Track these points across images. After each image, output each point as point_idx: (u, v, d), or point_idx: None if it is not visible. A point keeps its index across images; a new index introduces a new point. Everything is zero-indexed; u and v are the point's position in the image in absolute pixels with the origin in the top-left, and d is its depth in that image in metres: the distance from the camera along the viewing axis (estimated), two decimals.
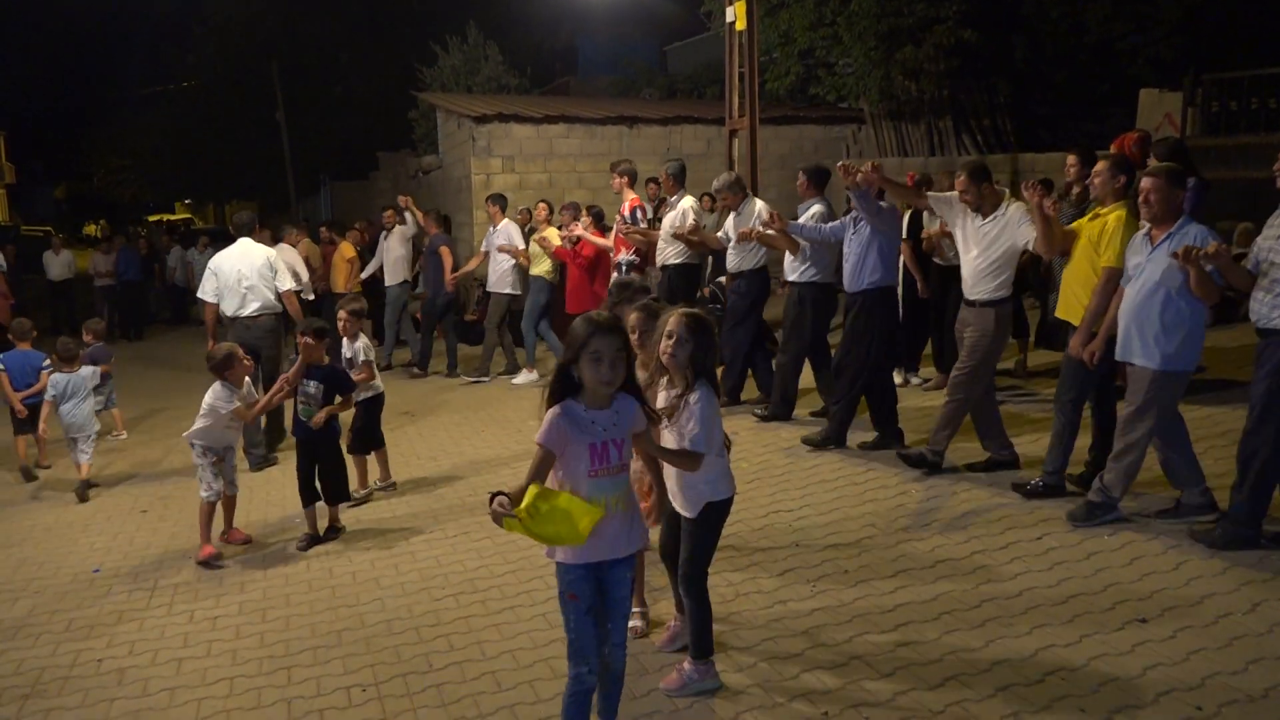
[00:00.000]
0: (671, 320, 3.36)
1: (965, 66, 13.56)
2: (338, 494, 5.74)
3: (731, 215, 7.45)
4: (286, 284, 7.62)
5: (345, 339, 6.36)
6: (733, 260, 7.45)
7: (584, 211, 9.23)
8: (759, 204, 7.32)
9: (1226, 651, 3.64)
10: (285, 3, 25.22)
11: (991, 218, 5.55)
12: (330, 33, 25.85)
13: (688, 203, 8.03)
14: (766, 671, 3.71)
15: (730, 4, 9.53)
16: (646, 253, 8.47)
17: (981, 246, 5.59)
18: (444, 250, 9.96)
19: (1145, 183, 4.63)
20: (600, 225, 9.07)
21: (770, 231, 6.81)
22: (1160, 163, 5.27)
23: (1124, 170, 5.13)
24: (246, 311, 7.39)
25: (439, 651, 4.09)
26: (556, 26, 28.02)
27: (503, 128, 13.80)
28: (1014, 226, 5.46)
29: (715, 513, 3.52)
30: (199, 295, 7.87)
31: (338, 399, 5.67)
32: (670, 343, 3.34)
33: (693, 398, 3.34)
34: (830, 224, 6.60)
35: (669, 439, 3.40)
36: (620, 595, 3.10)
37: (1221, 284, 4.51)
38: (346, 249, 11.05)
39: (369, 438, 6.44)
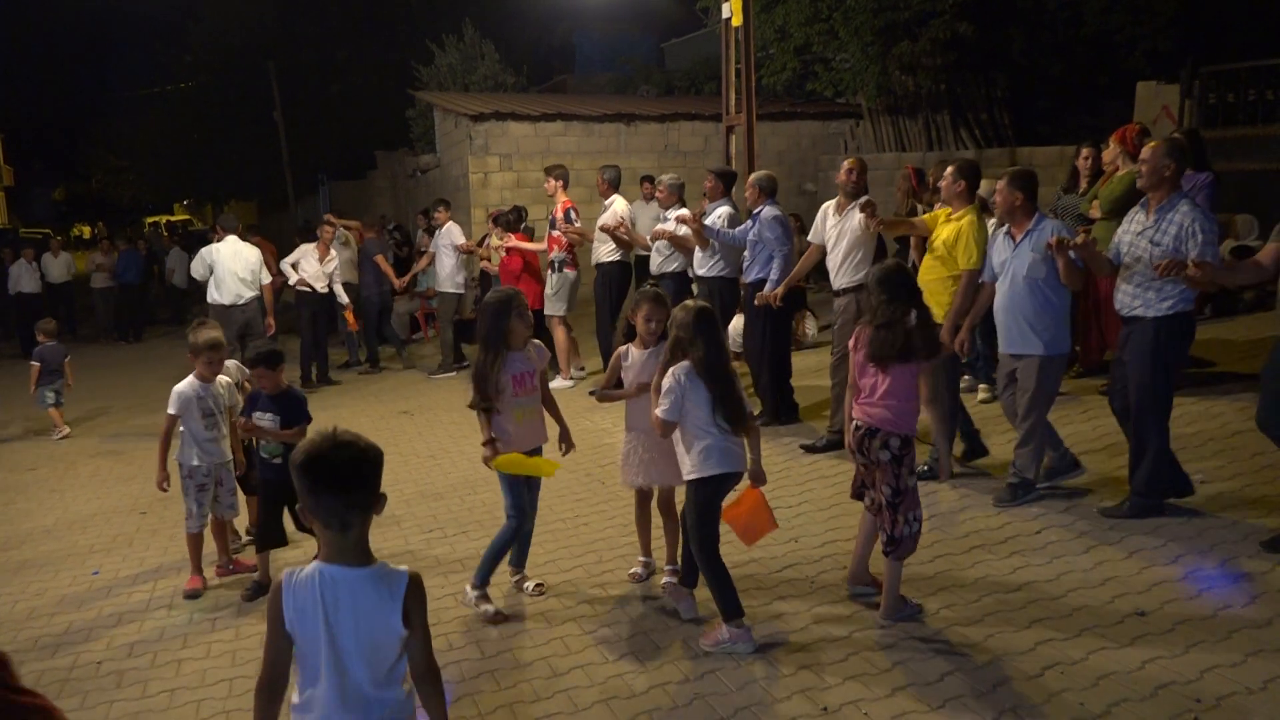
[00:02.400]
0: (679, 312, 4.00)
1: (962, 60, 13.53)
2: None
3: (672, 212, 7.97)
4: (267, 278, 9.54)
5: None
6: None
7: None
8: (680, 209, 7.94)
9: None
10: (281, 2, 25.19)
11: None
12: (327, 32, 25.80)
13: (619, 203, 8.70)
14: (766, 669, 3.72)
15: (726, 1, 9.51)
16: (576, 251, 9.04)
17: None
18: (379, 258, 11.15)
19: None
20: (525, 231, 9.65)
21: (682, 231, 7.55)
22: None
23: (966, 176, 5.57)
24: (241, 302, 9.14)
25: (438, 651, 4.04)
26: (553, 24, 27.95)
27: (500, 126, 13.80)
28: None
29: (699, 488, 3.91)
30: (193, 274, 9.60)
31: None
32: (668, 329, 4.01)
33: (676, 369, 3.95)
34: (738, 228, 7.16)
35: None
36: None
37: (1083, 269, 4.98)
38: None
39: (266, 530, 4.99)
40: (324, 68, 26.98)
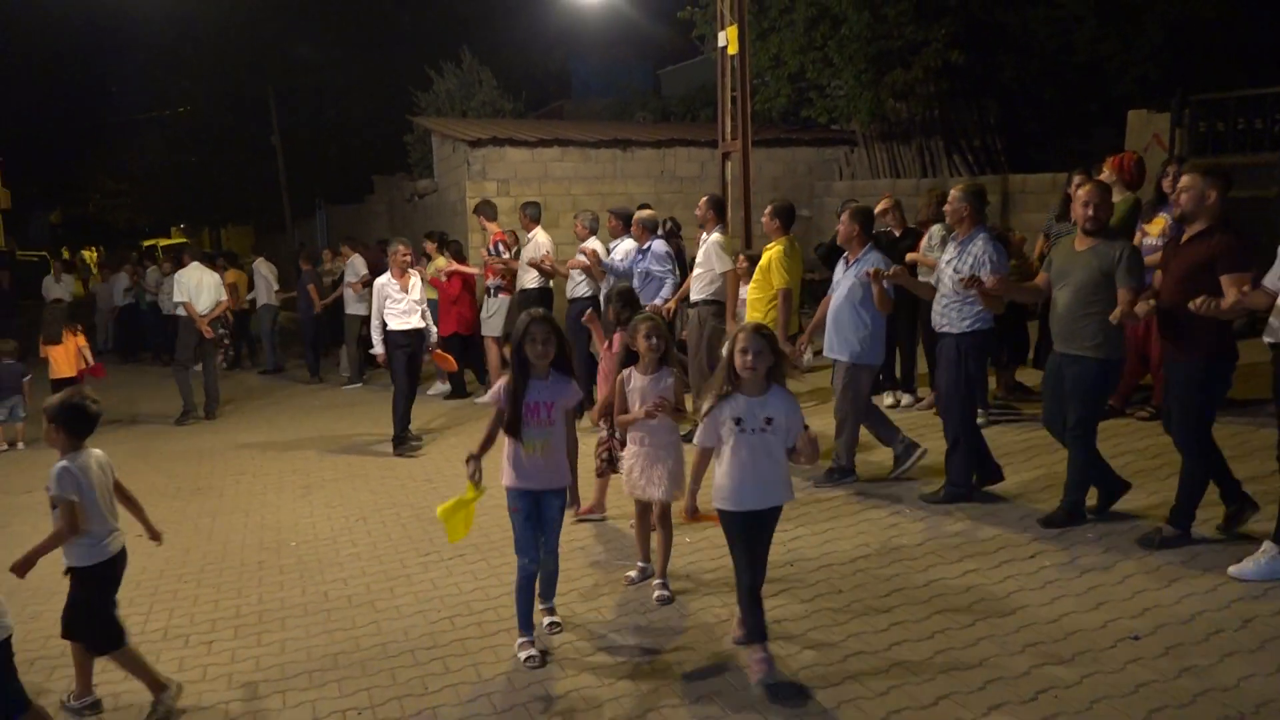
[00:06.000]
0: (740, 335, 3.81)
1: (955, 87, 13.68)
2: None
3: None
4: (225, 296, 10.77)
5: None
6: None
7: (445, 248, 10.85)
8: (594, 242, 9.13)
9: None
10: (279, 27, 25.36)
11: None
12: (325, 57, 25.97)
13: (542, 236, 9.66)
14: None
15: (722, 29, 9.63)
16: (510, 278, 10.00)
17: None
18: (310, 287, 12.87)
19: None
20: (459, 256, 10.78)
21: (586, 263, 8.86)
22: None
23: (779, 216, 6.93)
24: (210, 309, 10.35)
25: (435, 674, 4.09)
26: (550, 50, 28.20)
27: (497, 151, 13.88)
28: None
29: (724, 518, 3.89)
30: (178, 299, 10.32)
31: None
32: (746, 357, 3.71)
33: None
34: (625, 261, 8.49)
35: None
36: (551, 516, 4.22)
37: (893, 298, 5.96)
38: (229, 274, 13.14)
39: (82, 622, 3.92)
40: (322, 92, 27.14)
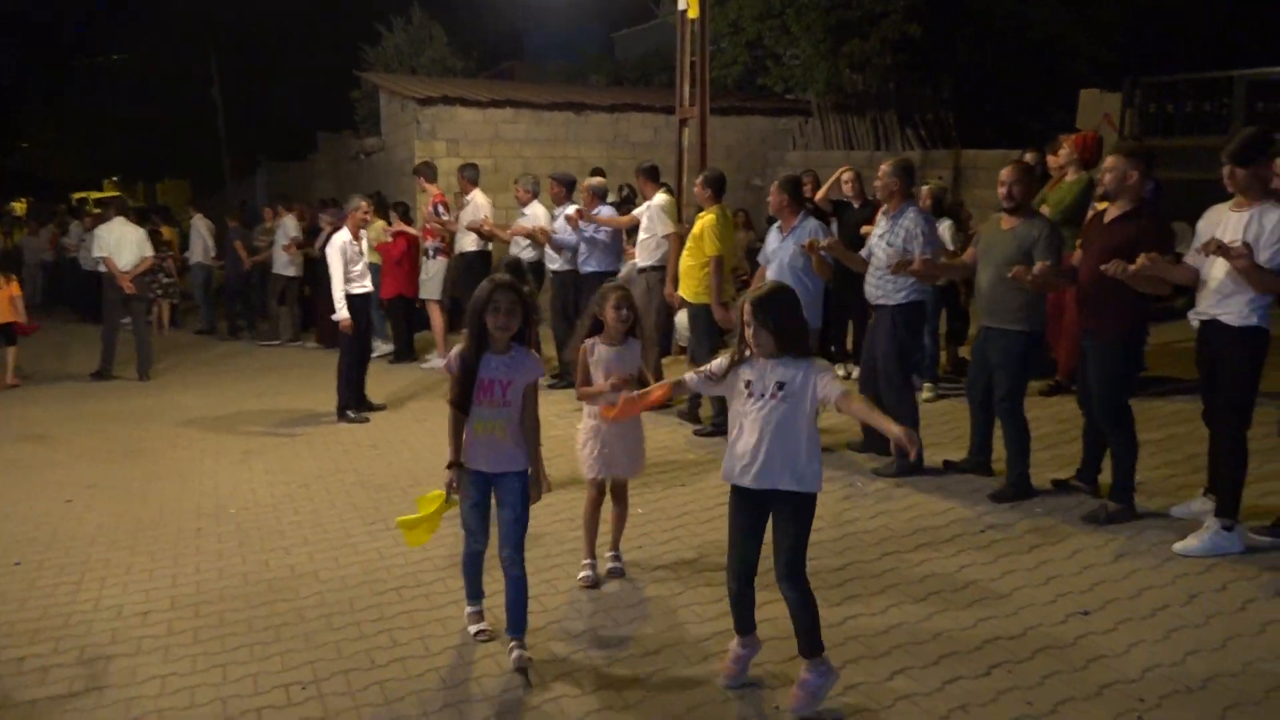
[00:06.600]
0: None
1: (911, 61, 13.69)
2: None
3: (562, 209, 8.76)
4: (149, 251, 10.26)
5: None
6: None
7: (392, 209, 10.53)
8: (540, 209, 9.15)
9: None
10: None
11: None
12: (270, 8, 25.15)
13: (481, 199, 9.61)
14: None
15: None
16: (449, 240, 9.99)
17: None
18: (238, 243, 12.66)
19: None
20: (406, 218, 10.47)
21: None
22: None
23: (711, 185, 6.92)
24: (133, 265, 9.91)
25: (382, 648, 3.98)
26: (503, 9, 27.63)
27: (448, 111, 13.56)
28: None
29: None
30: (98, 254, 9.95)
31: None
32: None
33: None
34: (569, 233, 8.51)
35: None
36: (507, 499, 3.76)
37: (833, 265, 6.20)
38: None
39: None
40: (266, 45, 26.31)
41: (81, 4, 30.48)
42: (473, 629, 4.01)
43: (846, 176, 8.10)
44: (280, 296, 12.25)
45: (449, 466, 3.78)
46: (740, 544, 3.44)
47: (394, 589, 4.56)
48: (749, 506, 3.40)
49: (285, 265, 11.88)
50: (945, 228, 7.52)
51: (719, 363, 3.47)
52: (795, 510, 3.33)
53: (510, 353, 3.72)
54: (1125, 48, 12.15)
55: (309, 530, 5.42)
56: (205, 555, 5.10)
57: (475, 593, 4.04)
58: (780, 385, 3.29)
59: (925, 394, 7.50)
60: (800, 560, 3.35)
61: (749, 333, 3.31)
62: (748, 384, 3.35)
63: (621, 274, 8.42)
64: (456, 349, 3.79)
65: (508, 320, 3.64)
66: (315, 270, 11.38)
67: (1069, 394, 6.79)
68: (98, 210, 15.29)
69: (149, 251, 10.22)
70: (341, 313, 7.62)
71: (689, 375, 3.60)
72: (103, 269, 9.95)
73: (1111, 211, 4.95)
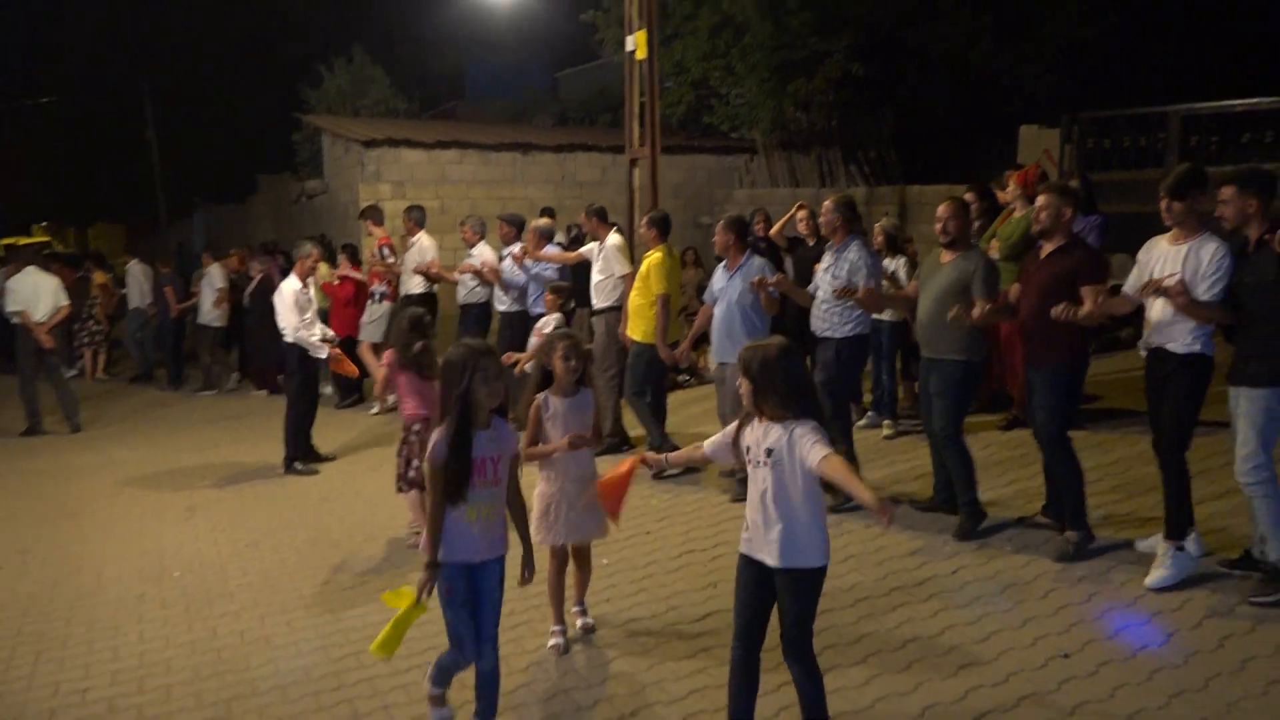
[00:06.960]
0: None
1: (854, 99, 13.88)
2: None
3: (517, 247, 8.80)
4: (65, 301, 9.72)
5: None
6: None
7: (340, 250, 10.56)
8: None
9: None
10: (158, 16, 24.07)
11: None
12: (207, 49, 24.80)
13: (427, 241, 9.62)
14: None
15: (629, 33, 9.45)
16: (395, 284, 9.88)
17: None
18: (168, 289, 12.34)
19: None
20: (355, 260, 10.40)
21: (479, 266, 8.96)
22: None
23: (656, 225, 7.03)
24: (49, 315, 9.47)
25: (341, 719, 3.77)
26: (445, 49, 27.62)
27: (393, 152, 13.42)
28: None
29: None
30: (11, 309, 9.42)
31: None
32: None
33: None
34: (519, 274, 8.65)
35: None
36: (488, 587, 3.42)
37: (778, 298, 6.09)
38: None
39: None
40: (203, 86, 25.92)
41: (12, 45, 29.76)
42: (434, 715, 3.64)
43: (801, 214, 8.19)
44: (211, 349, 12.01)
45: (428, 567, 3.36)
46: (740, 613, 3.25)
47: (352, 654, 4.35)
48: (746, 577, 3.21)
49: (211, 316, 11.65)
50: (900, 264, 7.56)
51: (730, 428, 3.31)
52: (794, 584, 3.10)
53: (491, 425, 3.39)
54: (1063, 85, 12.47)
55: (259, 592, 5.17)
56: (148, 623, 4.83)
57: (445, 682, 3.64)
58: (769, 452, 3.09)
59: (885, 430, 7.49)
60: (804, 637, 3.14)
61: (743, 390, 3.16)
62: (747, 450, 3.20)
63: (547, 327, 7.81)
64: (436, 437, 3.33)
65: (498, 387, 3.36)
66: (244, 321, 11.21)
67: (1026, 428, 6.81)
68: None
69: (64, 300, 9.69)
70: (320, 352, 7.52)
71: (707, 445, 3.42)
72: (17, 321, 9.43)
73: (1046, 247, 5.08)
